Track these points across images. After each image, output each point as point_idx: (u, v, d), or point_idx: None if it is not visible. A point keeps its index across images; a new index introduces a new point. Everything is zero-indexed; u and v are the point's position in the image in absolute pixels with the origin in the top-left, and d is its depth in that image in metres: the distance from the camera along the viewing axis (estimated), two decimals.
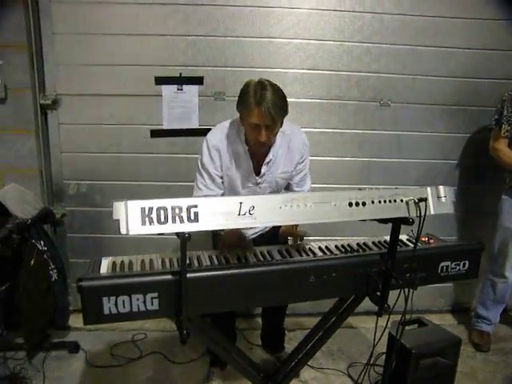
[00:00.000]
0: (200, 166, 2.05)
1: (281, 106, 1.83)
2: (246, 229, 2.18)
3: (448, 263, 1.71)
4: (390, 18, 2.71)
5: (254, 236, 2.24)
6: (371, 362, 2.35)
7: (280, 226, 2.12)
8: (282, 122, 1.93)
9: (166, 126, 2.77)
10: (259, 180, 2.08)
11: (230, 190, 2.09)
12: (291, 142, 2.08)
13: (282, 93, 1.87)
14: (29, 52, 2.59)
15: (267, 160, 2.04)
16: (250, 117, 1.84)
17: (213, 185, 2.04)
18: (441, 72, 2.84)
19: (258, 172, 2.07)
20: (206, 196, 2.00)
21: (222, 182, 2.09)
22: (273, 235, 2.13)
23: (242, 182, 2.08)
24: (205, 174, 2.03)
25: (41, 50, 2.65)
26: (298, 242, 1.87)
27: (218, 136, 2.03)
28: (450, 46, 2.80)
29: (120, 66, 2.69)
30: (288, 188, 2.22)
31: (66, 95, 2.72)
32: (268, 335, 2.67)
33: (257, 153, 2.02)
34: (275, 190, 2.14)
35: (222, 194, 2.07)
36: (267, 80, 1.88)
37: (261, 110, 1.78)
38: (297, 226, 1.98)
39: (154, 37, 2.66)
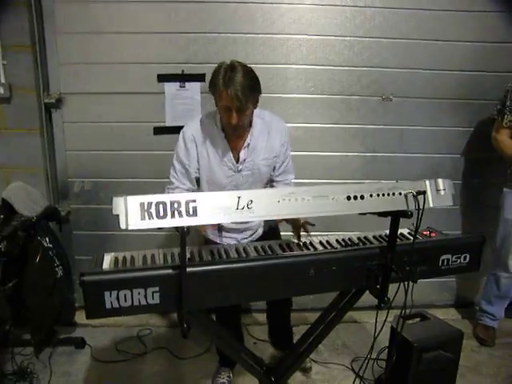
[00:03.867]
0: (174, 161, 2.07)
1: (250, 87, 1.82)
2: (236, 233, 2.18)
3: (449, 256, 1.71)
4: (391, 13, 2.71)
5: (245, 241, 2.17)
6: (375, 356, 2.36)
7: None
8: (255, 103, 1.93)
9: (168, 123, 2.79)
10: (240, 167, 2.04)
11: (212, 181, 2.06)
12: (271, 127, 2.07)
13: (253, 74, 1.87)
14: (32, 52, 2.62)
15: (245, 144, 2.02)
16: (219, 99, 1.84)
17: (185, 179, 2.04)
18: (444, 65, 2.83)
19: (237, 159, 2.05)
20: (177, 188, 2.03)
21: (198, 179, 2.08)
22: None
23: (222, 171, 2.04)
24: (178, 167, 2.05)
25: (44, 50, 2.68)
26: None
27: (193, 127, 2.05)
28: (452, 40, 2.79)
29: (123, 64, 2.71)
30: (271, 180, 2.19)
31: (69, 94, 2.75)
32: (275, 333, 2.67)
33: (234, 138, 2.01)
34: (258, 179, 2.10)
35: (194, 190, 2.07)
36: (239, 62, 1.88)
37: (228, 92, 1.78)
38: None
39: (156, 35, 2.68)
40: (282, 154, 2.11)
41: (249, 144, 2.03)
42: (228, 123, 1.89)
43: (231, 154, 2.03)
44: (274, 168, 2.14)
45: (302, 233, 1.91)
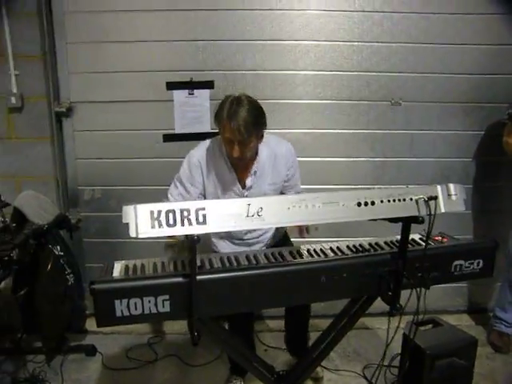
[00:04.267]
0: (176, 179, 2.11)
1: (253, 123, 1.84)
2: (244, 246, 2.18)
3: (461, 262, 1.68)
4: (399, 17, 2.70)
5: None
6: (387, 363, 2.34)
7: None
8: (260, 137, 1.96)
9: (178, 131, 2.80)
10: (246, 193, 2.08)
11: None
12: (277, 152, 2.10)
13: (259, 109, 1.90)
14: (43, 62, 2.66)
15: (252, 172, 2.06)
16: (223, 131, 1.88)
17: (182, 200, 2.03)
18: (453, 69, 2.81)
19: (243, 185, 2.08)
20: None
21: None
22: None
23: (228, 197, 2.06)
24: (179, 188, 2.08)
25: (55, 60, 2.72)
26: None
27: (199, 152, 2.08)
28: (462, 43, 2.76)
29: (132, 72, 2.73)
30: None
31: (79, 103, 2.78)
32: (292, 340, 2.65)
33: (239, 166, 2.04)
34: None
35: None
36: (246, 95, 1.91)
37: (231, 125, 1.81)
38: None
39: (165, 43, 2.70)
40: (291, 177, 2.15)
41: (255, 172, 2.06)
42: (231, 155, 1.92)
43: (237, 181, 2.06)
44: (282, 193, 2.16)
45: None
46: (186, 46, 2.71)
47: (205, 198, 2.10)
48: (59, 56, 2.71)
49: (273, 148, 2.10)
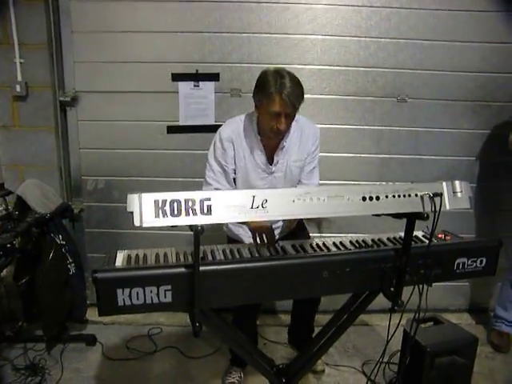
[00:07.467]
0: (212, 160, 2.07)
1: (299, 93, 1.89)
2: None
3: (464, 260, 1.67)
4: (407, 13, 2.68)
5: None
6: (386, 359, 2.34)
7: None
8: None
9: (182, 123, 2.79)
10: (273, 169, 2.10)
11: (245, 183, 2.10)
12: (304, 128, 2.12)
13: (299, 80, 1.93)
14: (49, 50, 2.65)
15: (280, 147, 2.06)
16: (271, 105, 1.87)
17: (223, 179, 2.07)
18: (461, 67, 2.78)
19: (271, 162, 2.10)
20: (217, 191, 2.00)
21: (235, 180, 2.11)
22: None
23: (256, 173, 2.09)
24: (216, 168, 2.06)
25: (60, 49, 2.71)
26: None
27: (231, 128, 2.08)
28: (470, 41, 2.74)
29: (137, 63, 2.72)
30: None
31: (84, 92, 2.77)
32: (296, 332, 2.66)
33: (270, 142, 2.05)
34: (290, 180, 2.15)
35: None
36: (283, 68, 1.94)
37: (282, 98, 1.83)
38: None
39: (171, 34, 2.69)
40: (311, 153, 2.16)
41: (284, 146, 2.07)
42: (274, 129, 1.92)
43: (265, 157, 2.08)
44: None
45: None
46: (192, 38, 2.70)
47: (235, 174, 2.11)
48: (64, 45, 2.70)
49: (301, 124, 2.11)
